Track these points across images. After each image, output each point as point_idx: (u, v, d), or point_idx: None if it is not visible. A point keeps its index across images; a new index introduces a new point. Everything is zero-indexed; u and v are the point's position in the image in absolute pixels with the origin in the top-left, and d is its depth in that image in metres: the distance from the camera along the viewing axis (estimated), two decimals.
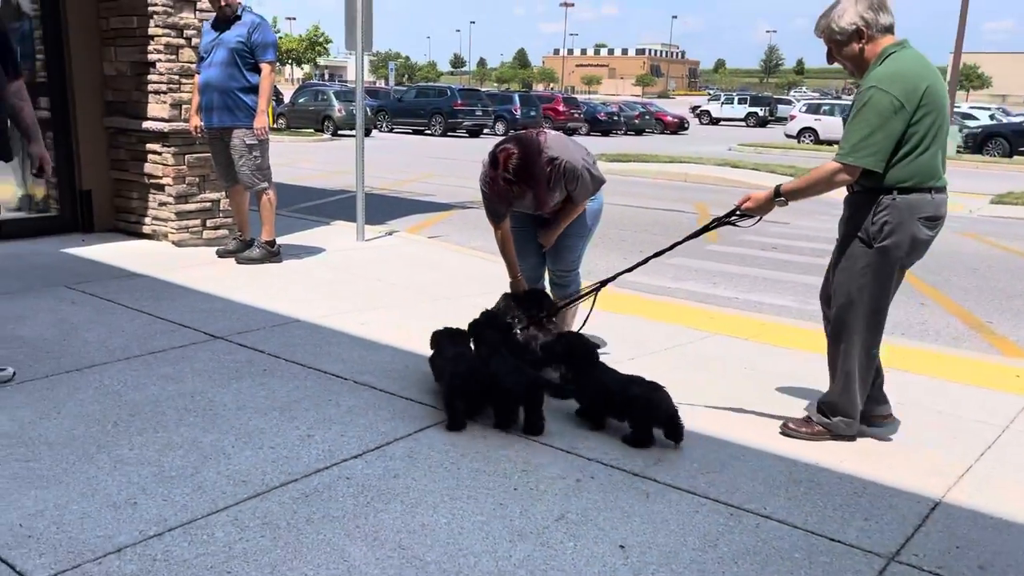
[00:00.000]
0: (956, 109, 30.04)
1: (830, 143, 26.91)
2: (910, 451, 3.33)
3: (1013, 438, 3.51)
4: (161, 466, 2.91)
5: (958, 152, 24.56)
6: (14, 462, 2.88)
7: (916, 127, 3.00)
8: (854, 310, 3.22)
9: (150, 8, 6.22)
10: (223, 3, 5.84)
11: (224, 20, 5.89)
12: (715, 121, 47.63)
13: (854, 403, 3.31)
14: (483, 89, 45.97)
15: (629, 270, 3.91)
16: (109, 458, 2.94)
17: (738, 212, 3.40)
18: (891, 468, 3.14)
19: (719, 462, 3.15)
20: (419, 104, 30.38)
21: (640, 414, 3.26)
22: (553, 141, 3.90)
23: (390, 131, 30.11)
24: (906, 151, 3.02)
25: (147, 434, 3.14)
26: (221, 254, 6.32)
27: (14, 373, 3.63)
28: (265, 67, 5.95)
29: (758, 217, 3.38)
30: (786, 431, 3.42)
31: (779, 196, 3.23)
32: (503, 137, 3.96)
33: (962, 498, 2.93)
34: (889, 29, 3.12)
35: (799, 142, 28.92)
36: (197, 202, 6.66)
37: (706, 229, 3.58)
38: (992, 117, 33.04)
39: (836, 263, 3.31)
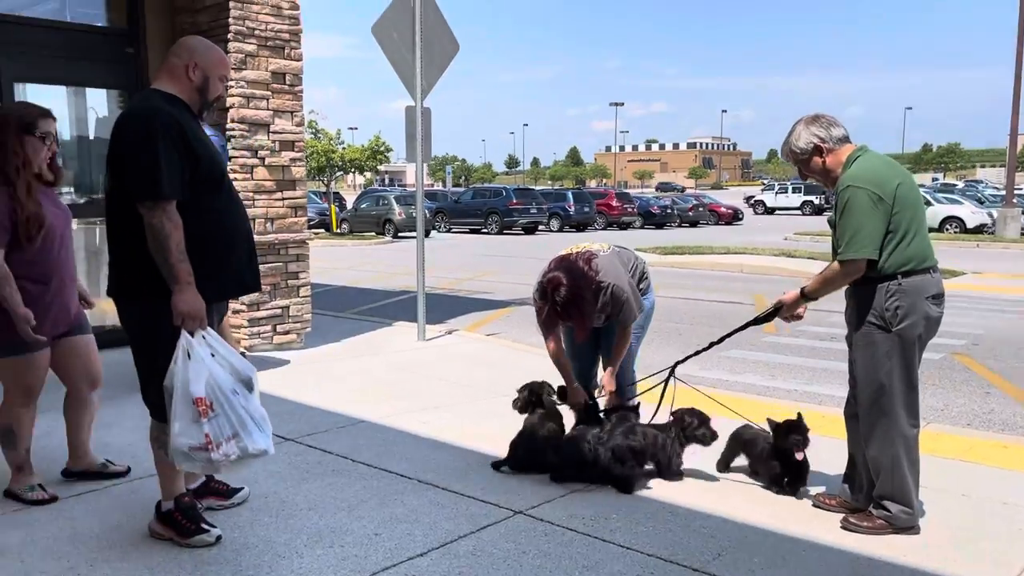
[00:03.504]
0: (1017, 191, 29.57)
1: None
2: (973, 543, 3.29)
3: None
4: (238, 565, 3.07)
5: (1023, 234, 24.08)
6: (105, 564, 3.08)
7: (898, 217, 3.23)
8: (887, 395, 3.31)
9: (227, 133, 6.75)
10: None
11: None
12: (770, 211, 47.65)
13: (907, 488, 3.33)
14: (537, 187, 47.07)
15: (695, 354, 4.17)
16: (191, 558, 3.12)
17: (775, 307, 3.67)
18: (954, 561, 3.11)
19: (780, 556, 3.17)
20: (475, 205, 31.31)
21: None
22: (603, 264, 4.02)
23: (448, 231, 30.98)
24: (899, 238, 3.24)
25: (225, 533, 3.31)
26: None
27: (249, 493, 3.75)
28: None
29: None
30: (847, 525, 3.42)
31: (805, 297, 3.50)
32: (555, 259, 4.07)
33: None
34: (845, 139, 3.43)
35: None
36: (268, 309, 7.03)
37: (755, 323, 3.86)
38: None
39: (853, 354, 3.44)
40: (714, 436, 3.99)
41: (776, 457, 3.78)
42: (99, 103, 7.19)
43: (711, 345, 4.09)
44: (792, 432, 3.73)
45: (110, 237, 3.17)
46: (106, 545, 3.23)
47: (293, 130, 7.10)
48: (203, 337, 3.02)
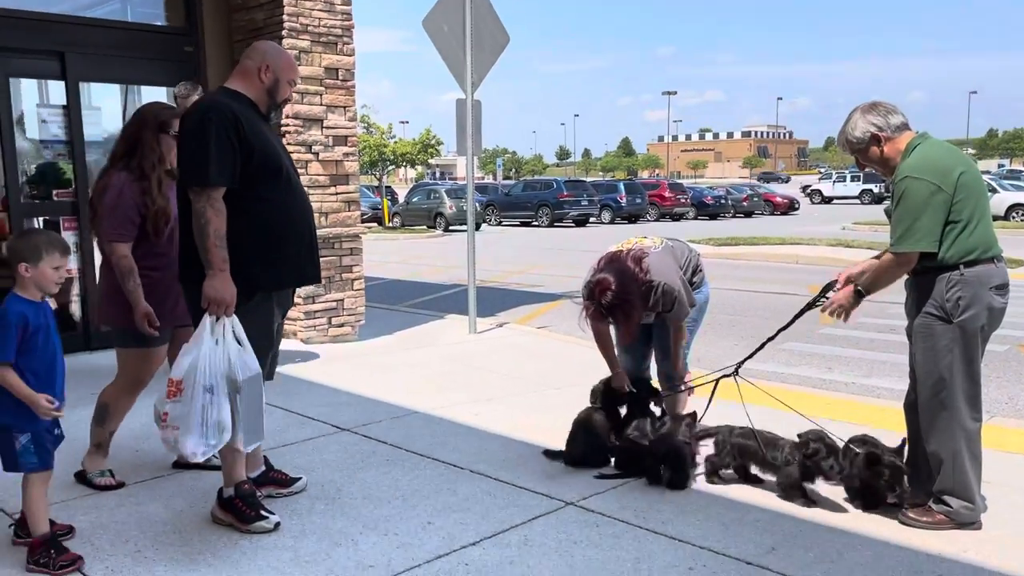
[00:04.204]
0: None
1: None
2: None
3: None
4: (297, 551, 3.14)
5: None
6: (170, 547, 3.19)
7: (961, 205, 3.13)
8: (948, 388, 3.23)
9: (282, 128, 6.88)
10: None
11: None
12: (827, 200, 46.62)
13: (968, 483, 3.25)
14: (588, 179, 46.80)
15: (754, 353, 4.08)
16: (251, 544, 3.20)
17: (824, 299, 3.61)
18: (1018, 558, 3.02)
19: (835, 551, 3.12)
20: (526, 197, 31.28)
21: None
22: (654, 264, 3.95)
23: (498, 224, 31.04)
24: (962, 227, 3.14)
25: (283, 520, 3.39)
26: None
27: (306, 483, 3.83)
28: None
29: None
30: (906, 520, 3.34)
31: (857, 292, 3.42)
32: (605, 256, 4.06)
33: None
34: (904, 127, 3.32)
35: None
36: (323, 302, 7.16)
37: (806, 309, 3.82)
38: None
39: (913, 346, 3.36)
40: (841, 471, 3.51)
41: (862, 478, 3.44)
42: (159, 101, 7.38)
43: (767, 341, 4.01)
44: (891, 479, 3.35)
45: (180, 227, 3.32)
46: (171, 529, 3.34)
47: (346, 125, 7.21)
48: (223, 325, 3.08)
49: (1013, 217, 26.20)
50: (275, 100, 3.36)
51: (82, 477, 3.82)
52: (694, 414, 4.05)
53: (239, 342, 3.10)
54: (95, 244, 3.85)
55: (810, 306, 3.76)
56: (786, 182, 58.33)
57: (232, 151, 3.09)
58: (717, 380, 4.02)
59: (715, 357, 7.06)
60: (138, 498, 3.68)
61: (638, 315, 3.89)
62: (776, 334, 4.00)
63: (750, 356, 4.08)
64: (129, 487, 3.80)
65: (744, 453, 3.79)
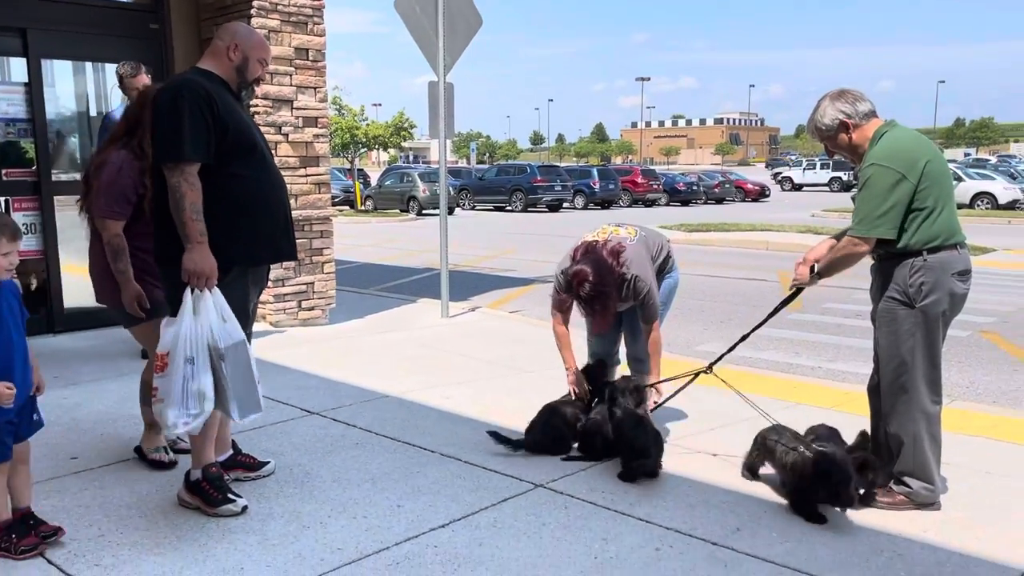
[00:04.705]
0: None
1: None
2: (997, 520, 3.27)
3: None
4: (264, 534, 3.13)
5: None
6: (134, 531, 3.15)
7: (925, 193, 3.18)
8: (909, 372, 3.29)
9: (251, 109, 6.78)
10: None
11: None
12: (798, 187, 47.06)
13: (928, 465, 3.31)
14: (562, 164, 46.72)
15: (728, 351, 4.07)
16: (218, 527, 3.18)
17: (794, 288, 3.65)
18: (977, 538, 3.10)
19: (799, 531, 3.17)
20: (500, 182, 31.20)
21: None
22: (630, 256, 3.94)
23: (472, 208, 30.94)
24: (926, 214, 3.19)
25: (251, 504, 3.37)
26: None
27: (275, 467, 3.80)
28: None
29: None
30: (867, 501, 3.40)
31: (815, 273, 3.48)
32: (582, 246, 4.00)
33: None
34: (872, 114, 3.37)
35: None
36: (293, 285, 7.09)
37: (781, 306, 3.83)
38: None
39: (877, 331, 3.41)
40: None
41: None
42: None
43: (742, 339, 4.02)
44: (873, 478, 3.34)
45: (155, 209, 3.27)
46: (136, 513, 3.30)
47: (316, 106, 7.12)
48: (205, 297, 3.05)
49: (978, 205, 26.63)
50: (245, 79, 3.36)
51: (140, 453, 3.85)
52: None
53: (222, 314, 3.09)
54: (86, 221, 3.75)
55: (785, 303, 3.78)
56: (798, 165, 59.00)
57: (206, 127, 3.09)
58: (694, 376, 4.06)
59: (684, 341, 7.13)
60: (102, 481, 3.64)
61: (614, 306, 3.91)
62: (751, 332, 3.99)
63: (724, 354, 4.08)
64: (93, 470, 3.75)
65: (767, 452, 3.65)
